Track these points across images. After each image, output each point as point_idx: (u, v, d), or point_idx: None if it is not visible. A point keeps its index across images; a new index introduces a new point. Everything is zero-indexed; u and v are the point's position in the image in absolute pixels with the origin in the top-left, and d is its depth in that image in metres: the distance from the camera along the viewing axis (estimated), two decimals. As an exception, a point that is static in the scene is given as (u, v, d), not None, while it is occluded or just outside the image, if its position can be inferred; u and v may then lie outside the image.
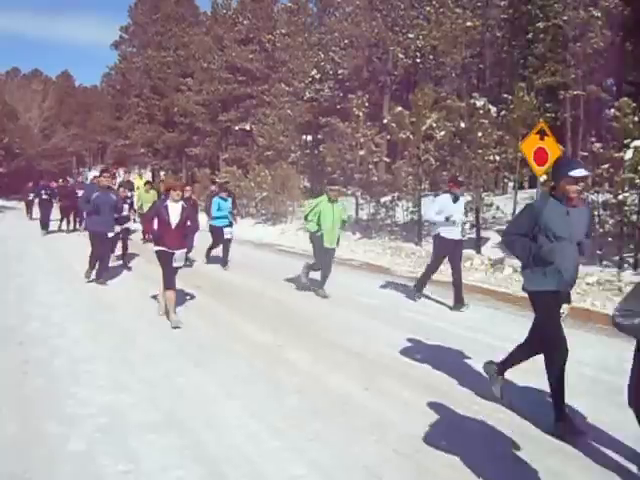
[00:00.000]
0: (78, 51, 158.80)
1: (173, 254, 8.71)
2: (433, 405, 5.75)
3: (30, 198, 28.50)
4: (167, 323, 8.70)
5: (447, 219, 10.10)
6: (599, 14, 21.04)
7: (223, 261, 14.58)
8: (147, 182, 21.83)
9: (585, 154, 15.94)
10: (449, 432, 5.16)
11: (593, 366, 7.10)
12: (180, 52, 49.38)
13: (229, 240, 14.63)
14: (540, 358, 5.50)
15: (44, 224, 21.84)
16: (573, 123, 22.72)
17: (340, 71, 35.09)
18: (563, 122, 22.84)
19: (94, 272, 11.99)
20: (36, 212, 25.02)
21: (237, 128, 43.43)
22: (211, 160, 46.43)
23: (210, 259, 15.10)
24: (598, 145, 15.38)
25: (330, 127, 27.73)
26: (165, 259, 8.76)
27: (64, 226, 22.86)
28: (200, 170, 42.98)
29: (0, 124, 51.14)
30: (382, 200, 23.26)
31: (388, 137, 23.96)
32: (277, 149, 33.29)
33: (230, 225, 14.69)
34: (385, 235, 21.84)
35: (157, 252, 8.86)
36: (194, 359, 7.08)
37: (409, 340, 8.19)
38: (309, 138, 37.61)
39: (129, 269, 13.85)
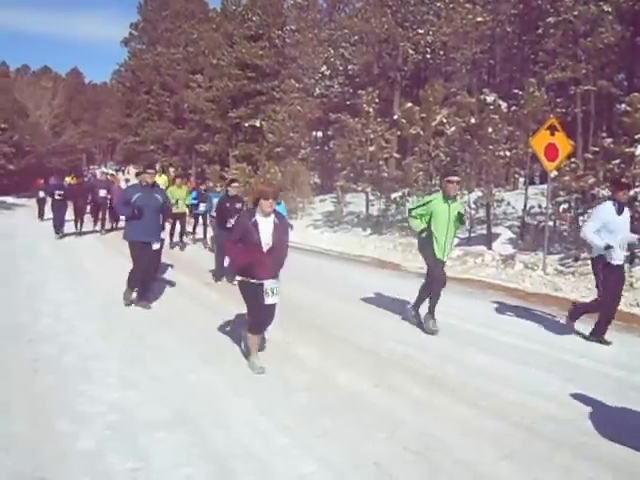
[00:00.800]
0: (88, 48, 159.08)
1: (262, 286, 6.62)
2: (443, 402, 5.74)
3: (41, 196, 26.88)
4: (177, 321, 8.68)
5: (607, 247, 7.71)
6: (610, 9, 20.89)
7: None
8: (178, 175, 21.09)
9: (596, 149, 15.82)
10: (459, 429, 5.14)
11: (604, 362, 7.07)
12: (190, 49, 49.38)
13: None
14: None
15: (58, 227, 19.85)
16: (584, 118, 22.58)
17: (350, 67, 35.02)
18: (574, 117, 22.72)
19: (134, 293, 9.83)
20: (48, 212, 23.89)
21: (247, 124, 43.37)
22: (221, 157, 46.37)
23: None
24: (609, 140, 15.31)
25: (340, 123, 27.62)
26: (253, 293, 6.64)
27: (78, 227, 20.67)
28: (210, 167, 43.01)
29: (10, 121, 51.24)
30: (393, 196, 23.25)
31: (398, 133, 23.91)
32: (287, 145, 33.24)
33: None
34: (396, 231, 21.79)
35: (242, 284, 6.74)
36: (203, 357, 7.07)
37: (420, 337, 8.18)
38: (319, 134, 37.59)
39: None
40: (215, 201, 15.18)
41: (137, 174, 19.23)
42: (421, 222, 8.49)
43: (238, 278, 6.73)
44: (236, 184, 12.66)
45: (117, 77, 69.79)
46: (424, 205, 8.56)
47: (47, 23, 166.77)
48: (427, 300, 8.63)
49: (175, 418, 5.27)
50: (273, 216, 6.62)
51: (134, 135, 55.78)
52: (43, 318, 8.69)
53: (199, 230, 19.91)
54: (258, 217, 6.55)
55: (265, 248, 6.52)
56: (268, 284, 6.59)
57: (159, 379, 6.25)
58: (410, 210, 8.83)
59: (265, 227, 6.54)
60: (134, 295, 9.74)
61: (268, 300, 6.62)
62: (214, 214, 12.61)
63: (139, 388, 5.96)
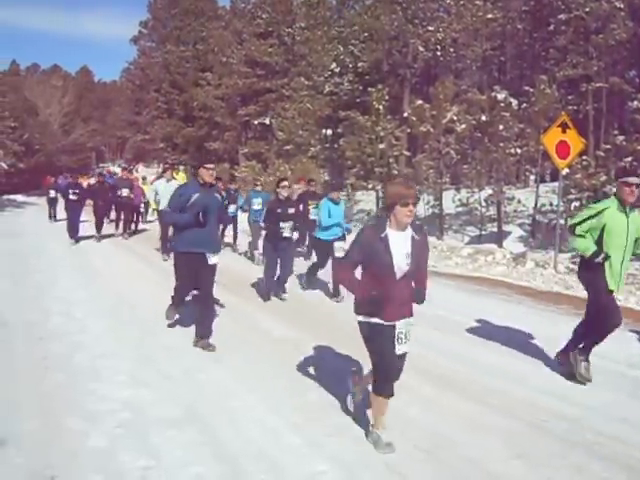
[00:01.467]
0: (97, 46, 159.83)
1: (392, 328, 4.71)
2: (453, 401, 5.72)
3: (52, 196, 25.79)
4: (187, 319, 8.62)
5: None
6: (621, 5, 20.82)
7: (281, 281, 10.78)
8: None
9: (608, 147, 15.79)
10: (469, 428, 5.12)
11: (617, 361, 7.03)
12: (199, 46, 49.50)
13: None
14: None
15: (73, 231, 17.90)
16: (595, 116, 22.51)
17: (360, 64, 34.93)
18: (585, 115, 22.64)
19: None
20: (59, 212, 22.98)
21: (256, 122, 43.42)
22: (230, 155, 46.42)
23: (316, 284, 11.67)
24: (621, 138, 15.27)
25: (350, 121, 27.57)
26: (380, 339, 4.69)
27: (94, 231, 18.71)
28: (219, 165, 43.04)
29: (20, 120, 51.31)
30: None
31: (408, 130, 23.89)
32: (297, 143, 33.24)
33: (343, 238, 10.61)
34: (406, 229, 21.79)
35: (364, 327, 4.76)
36: (214, 355, 7.08)
37: (429, 335, 8.14)
38: (329, 132, 37.49)
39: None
40: (255, 201, 14.75)
41: (163, 171, 18.32)
42: (587, 242, 6.32)
43: (360, 318, 4.76)
44: (286, 183, 10.88)
45: (127, 75, 70.17)
46: (595, 216, 6.30)
47: (57, 22, 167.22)
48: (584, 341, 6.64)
49: (186, 416, 5.27)
50: (411, 230, 4.68)
51: (143, 133, 56.06)
52: (54, 316, 8.70)
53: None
54: (389, 230, 4.60)
55: (399, 275, 4.63)
56: (401, 325, 4.74)
57: (170, 378, 6.24)
58: (575, 226, 6.45)
59: (399, 245, 4.59)
60: (177, 316, 8.39)
61: (399, 348, 4.75)
62: (262, 223, 10.66)
63: (150, 386, 5.96)
